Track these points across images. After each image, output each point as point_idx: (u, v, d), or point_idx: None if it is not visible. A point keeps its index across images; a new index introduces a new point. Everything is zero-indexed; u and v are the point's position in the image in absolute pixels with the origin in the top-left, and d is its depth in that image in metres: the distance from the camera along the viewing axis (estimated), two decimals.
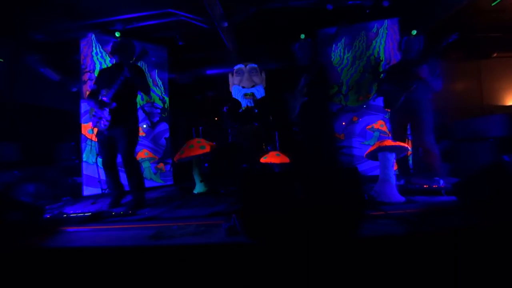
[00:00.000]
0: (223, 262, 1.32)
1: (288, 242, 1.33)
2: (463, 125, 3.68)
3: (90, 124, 2.68)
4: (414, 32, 2.81)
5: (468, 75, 4.93)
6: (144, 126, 4.02)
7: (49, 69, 4.10)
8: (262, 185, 1.44)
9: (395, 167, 2.90)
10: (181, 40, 4.21)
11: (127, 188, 2.74)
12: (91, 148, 3.44)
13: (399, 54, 3.05)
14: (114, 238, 1.67)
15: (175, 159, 3.28)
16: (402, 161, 2.99)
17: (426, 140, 2.76)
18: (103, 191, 3.09)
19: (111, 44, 2.70)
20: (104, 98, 2.52)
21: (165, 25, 3.74)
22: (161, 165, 4.14)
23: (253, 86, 4.34)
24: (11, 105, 3.67)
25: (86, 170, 3.48)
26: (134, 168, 2.63)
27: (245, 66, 4.38)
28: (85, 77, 3.63)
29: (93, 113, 2.57)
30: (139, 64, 2.75)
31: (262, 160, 3.10)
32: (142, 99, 4.01)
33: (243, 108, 3.90)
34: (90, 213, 2.23)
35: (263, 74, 4.50)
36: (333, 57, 3.90)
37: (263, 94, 4.35)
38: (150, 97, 4.08)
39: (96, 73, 3.62)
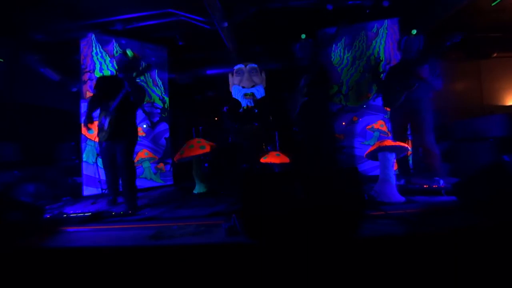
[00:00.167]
0: (223, 262, 1.32)
1: (288, 242, 1.33)
2: (463, 125, 3.67)
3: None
4: (414, 31, 2.81)
5: (468, 75, 4.92)
6: (144, 126, 4.01)
7: (49, 69, 4.11)
8: (262, 185, 1.44)
9: (395, 167, 2.90)
10: (181, 40, 4.21)
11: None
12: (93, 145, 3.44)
13: (399, 54, 3.05)
14: (114, 238, 1.68)
15: (175, 159, 3.28)
16: (402, 161, 3.00)
17: (426, 140, 2.76)
18: (103, 191, 3.11)
19: (118, 58, 2.61)
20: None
21: (165, 25, 3.74)
22: (161, 165, 4.14)
23: (253, 86, 4.34)
24: (11, 105, 3.68)
25: (86, 170, 3.48)
26: (130, 172, 2.61)
27: (245, 66, 4.38)
28: (85, 77, 3.64)
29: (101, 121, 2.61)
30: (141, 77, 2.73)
31: (262, 160, 3.10)
32: None
33: (243, 108, 3.90)
34: (90, 213, 2.24)
35: (263, 74, 4.49)
36: (333, 57, 3.90)
37: (263, 94, 4.35)
38: (150, 97, 4.09)
39: (96, 74, 3.64)
